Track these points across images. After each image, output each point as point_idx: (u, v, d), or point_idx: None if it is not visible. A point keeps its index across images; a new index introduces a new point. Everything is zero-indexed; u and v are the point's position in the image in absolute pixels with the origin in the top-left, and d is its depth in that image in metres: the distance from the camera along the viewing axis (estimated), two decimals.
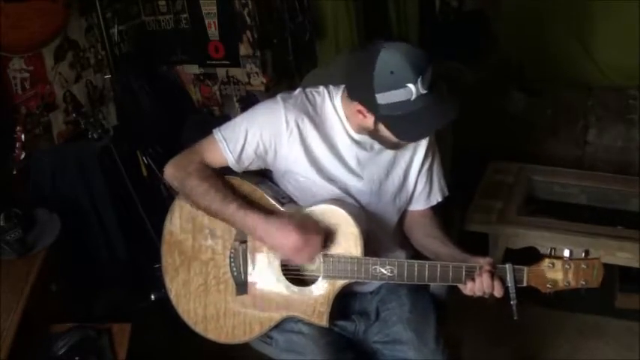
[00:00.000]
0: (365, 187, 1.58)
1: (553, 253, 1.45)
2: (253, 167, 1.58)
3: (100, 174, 2.35)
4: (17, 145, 2.15)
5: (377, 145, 1.55)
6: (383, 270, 1.48)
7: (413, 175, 1.64)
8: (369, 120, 1.45)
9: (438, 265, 1.46)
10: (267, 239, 1.49)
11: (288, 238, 1.45)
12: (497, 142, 3.18)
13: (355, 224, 1.49)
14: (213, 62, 2.80)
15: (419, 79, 1.34)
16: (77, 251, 2.25)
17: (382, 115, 1.40)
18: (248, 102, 2.82)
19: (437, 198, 1.69)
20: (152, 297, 2.37)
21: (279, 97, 1.56)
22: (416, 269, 1.47)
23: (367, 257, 1.49)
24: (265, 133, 1.52)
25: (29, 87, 2.29)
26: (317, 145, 1.54)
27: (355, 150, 1.55)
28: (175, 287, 1.67)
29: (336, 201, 1.53)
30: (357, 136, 1.54)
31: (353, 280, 1.52)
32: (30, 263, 1.85)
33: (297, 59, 2.94)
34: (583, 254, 1.44)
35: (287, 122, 1.51)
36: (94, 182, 2.34)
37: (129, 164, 2.44)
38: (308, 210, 1.53)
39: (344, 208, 1.50)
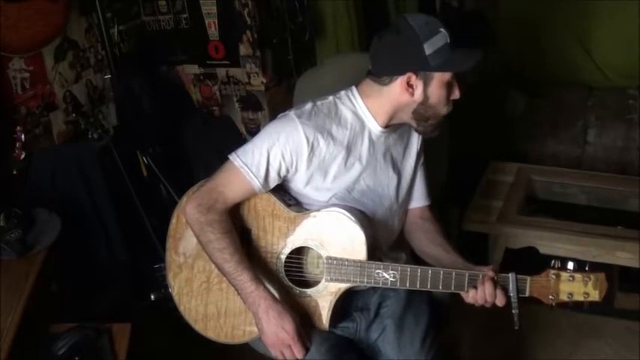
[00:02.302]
0: (375, 184, 1.59)
1: (557, 265, 1.45)
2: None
3: (100, 174, 2.35)
4: (17, 145, 2.14)
5: (391, 139, 1.60)
6: (386, 275, 1.49)
7: (409, 169, 1.67)
8: (418, 91, 1.49)
9: (441, 272, 1.47)
10: (262, 318, 1.49)
11: (280, 330, 1.48)
12: (497, 142, 3.18)
13: (360, 229, 1.49)
14: (213, 62, 2.80)
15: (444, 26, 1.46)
16: (77, 251, 2.25)
17: (434, 65, 1.46)
18: (248, 102, 2.83)
19: (429, 198, 1.73)
20: (152, 297, 2.37)
21: (292, 113, 1.53)
22: (419, 275, 1.47)
23: (370, 262, 1.50)
24: (287, 153, 1.50)
25: (29, 87, 2.29)
26: (336, 155, 1.53)
27: (377, 147, 1.58)
28: (178, 284, 1.67)
29: (342, 205, 1.54)
30: (379, 130, 1.56)
31: (355, 285, 1.52)
32: (30, 263, 1.85)
33: (297, 59, 2.94)
34: (587, 267, 1.45)
35: (307, 138, 1.49)
36: (94, 182, 2.34)
37: (129, 164, 2.44)
38: (314, 214, 1.54)
39: (350, 213, 1.51)
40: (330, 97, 1.58)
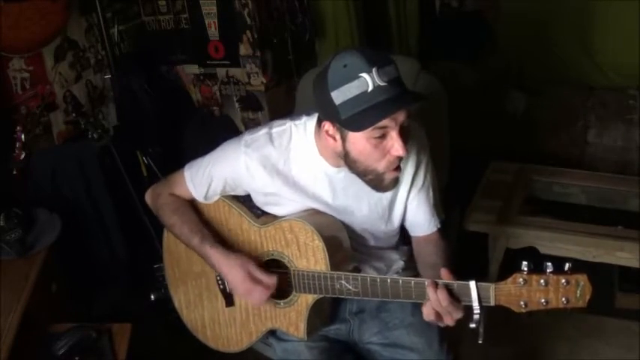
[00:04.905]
0: (340, 217, 1.53)
1: (530, 267, 1.24)
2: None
3: (100, 174, 2.35)
4: (17, 145, 2.14)
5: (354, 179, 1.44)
6: (348, 285, 1.40)
7: (400, 203, 1.54)
8: (339, 142, 1.35)
9: (400, 281, 1.35)
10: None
11: (238, 283, 1.48)
12: (497, 142, 3.18)
13: (319, 239, 1.43)
14: (213, 62, 2.80)
15: (374, 69, 1.24)
16: (77, 251, 2.25)
17: (344, 119, 1.28)
18: (248, 102, 2.82)
19: (436, 223, 1.58)
20: (152, 297, 2.37)
21: (242, 141, 1.49)
22: (378, 285, 1.37)
23: (333, 272, 1.42)
24: (229, 179, 1.54)
25: (29, 87, 2.29)
26: (283, 186, 1.49)
27: (328, 184, 1.48)
28: (178, 297, 1.72)
29: (307, 214, 1.49)
30: (332, 171, 1.45)
31: (322, 296, 1.47)
32: (30, 263, 1.85)
33: (297, 59, 2.94)
34: (566, 268, 1.22)
35: (247, 169, 1.49)
36: (94, 182, 2.34)
37: (129, 164, 2.44)
38: (276, 225, 1.51)
39: (311, 222, 1.45)
40: (287, 124, 1.49)
